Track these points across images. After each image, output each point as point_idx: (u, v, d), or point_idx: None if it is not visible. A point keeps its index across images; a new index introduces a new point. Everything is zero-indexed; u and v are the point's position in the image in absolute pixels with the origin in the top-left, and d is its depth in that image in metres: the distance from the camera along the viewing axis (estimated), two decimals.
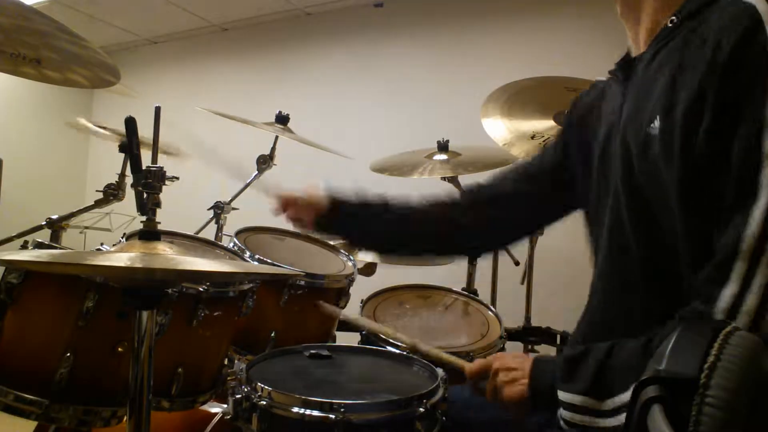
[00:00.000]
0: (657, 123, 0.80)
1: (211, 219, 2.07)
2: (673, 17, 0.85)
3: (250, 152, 2.14)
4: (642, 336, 0.77)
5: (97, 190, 1.74)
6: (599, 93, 1.07)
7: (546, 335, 2.07)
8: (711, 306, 0.68)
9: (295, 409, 0.93)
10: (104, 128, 2.01)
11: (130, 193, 1.34)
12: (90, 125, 2.10)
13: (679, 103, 0.76)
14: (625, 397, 0.73)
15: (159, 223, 0.87)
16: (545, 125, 1.88)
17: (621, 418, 0.74)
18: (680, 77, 0.78)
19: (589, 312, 1.00)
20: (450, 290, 1.82)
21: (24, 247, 1.31)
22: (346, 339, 1.53)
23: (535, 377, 0.88)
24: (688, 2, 0.84)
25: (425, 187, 3.04)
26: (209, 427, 1.42)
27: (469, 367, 1.00)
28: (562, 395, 0.80)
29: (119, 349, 1.06)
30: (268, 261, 1.42)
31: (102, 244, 1.10)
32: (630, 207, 0.87)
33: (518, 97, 1.95)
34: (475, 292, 2.01)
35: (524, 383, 0.88)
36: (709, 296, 0.69)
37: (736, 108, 0.70)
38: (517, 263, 2.21)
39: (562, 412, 0.80)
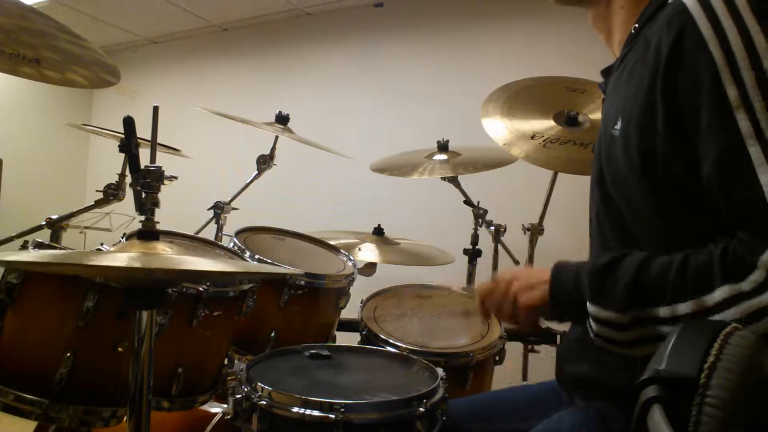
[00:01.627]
0: (619, 125, 0.84)
1: (211, 219, 2.08)
2: (636, 24, 0.89)
3: (250, 152, 2.14)
4: (675, 254, 0.76)
5: (97, 190, 1.74)
6: None
7: (546, 335, 2.06)
8: (755, 256, 0.68)
9: (295, 409, 0.94)
10: (104, 129, 2.01)
11: (130, 193, 1.34)
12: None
13: (634, 104, 0.80)
14: (655, 312, 0.74)
15: (158, 222, 0.87)
16: (545, 125, 1.88)
17: (643, 330, 0.75)
18: (630, 79, 0.83)
19: None
20: (450, 290, 1.82)
21: (24, 247, 1.30)
22: (346, 339, 1.53)
23: (556, 282, 0.86)
24: (646, 8, 0.88)
25: (425, 187, 3.05)
26: (209, 427, 1.42)
27: (481, 287, 0.98)
28: (593, 310, 0.80)
29: (119, 349, 1.06)
30: (268, 261, 1.42)
31: (102, 244, 1.10)
32: (602, 205, 0.91)
33: (518, 97, 1.95)
34: None
35: (544, 288, 0.87)
36: (756, 248, 0.68)
37: (688, 99, 0.73)
38: (517, 263, 2.21)
39: (594, 325, 0.80)
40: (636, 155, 0.79)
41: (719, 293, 0.69)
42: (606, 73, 1.01)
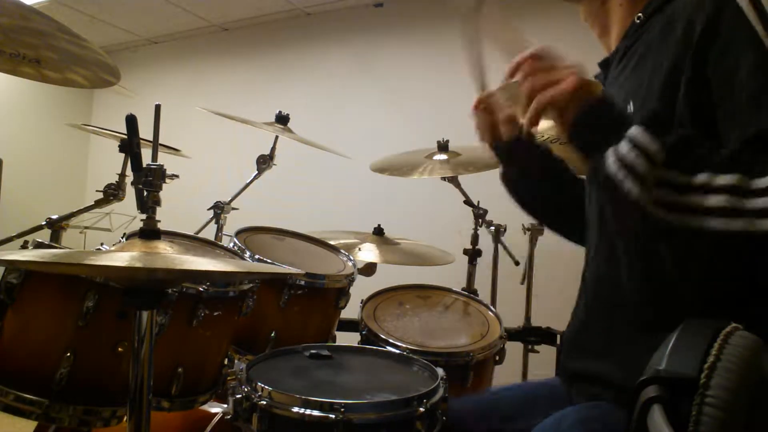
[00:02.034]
0: (630, 108, 0.83)
1: (211, 219, 2.07)
2: (640, 14, 0.89)
3: (250, 152, 2.14)
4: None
5: (97, 190, 1.74)
6: None
7: (546, 335, 2.07)
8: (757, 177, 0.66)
9: (295, 409, 0.93)
10: (104, 129, 2.01)
11: (130, 193, 1.34)
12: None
13: (650, 83, 0.80)
14: (694, 179, 0.67)
15: (159, 221, 0.87)
16: (545, 125, 1.88)
17: (670, 187, 0.67)
18: (647, 62, 0.83)
19: (581, 297, 1.01)
20: (450, 290, 1.82)
21: (24, 247, 1.30)
22: (346, 339, 1.53)
23: (605, 96, 0.76)
24: (652, 1, 0.88)
25: (425, 187, 3.05)
26: (209, 427, 1.42)
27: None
28: (638, 133, 0.69)
29: (119, 349, 1.06)
30: (268, 261, 1.42)
31: (102, 244, 1.10)
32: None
33: (518, 98, 1.94)
34: (475, 292, 2.01)
35: (593, 88, 0.76)
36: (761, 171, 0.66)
37: (724, 65, 0.74)
38: (517, 263, 2.21)
39: (625, 149, 0.69)
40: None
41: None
42: (604, 64, 1.02)
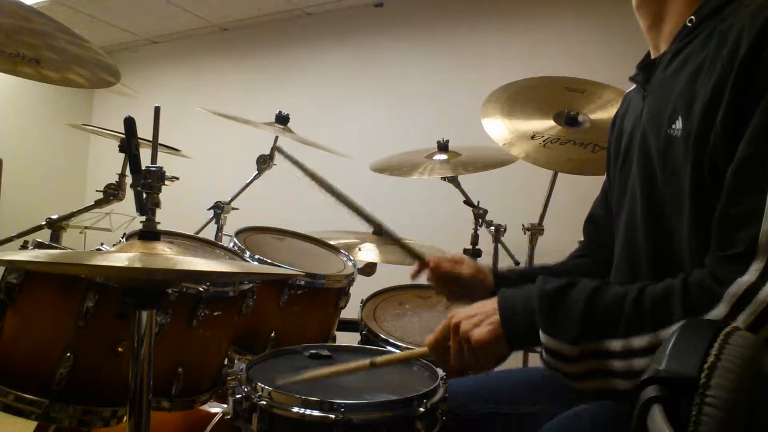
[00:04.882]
0: (679, 124, 0.79)
1: (211, 219, 2.08)
2: (692, 17, 0.84)
3: (250, 152, 2.14)
4: (628, 285, 0.76)
5: (97, 190, 1.74)
6: (626, 104, 1.06)
7: None
8: (722, 287, 0.68)
9: (295, 409, 0.93)
10: (104, 129, 2.01)
11: (130, 193, 1.34)
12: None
13: (698, 103, 0.76)
14: (607, 344, 0.73)
15: (158, 223, 0.87)
16: (545, 125, 1.88)
17: (593, 364, 0.74)
18: (700, 77, 0.77)
19: None
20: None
21: (24, 247, 1.31)
22: (346, 339, 1.53)
23: (506, 312, 0.83)
24: (707, 2, 0.83)
25: (425, 187, 3.05)
26: (209, 427, 1.42)
27: (427, 340, 0.94)
28: (544, 339, 0.78)
29: (119, 349, 1.06)
30: (268, 261, 1.42)
31: (102, 244, 1.10)
32: (644, 208, 0.87)
33: (518, 97, 1.95)
34: None
35: (494, 320, 0.84)
36: (723, 279, 0.68)
37: (750, 103, 0.70)
38: (517, 263, 2.21)
39: (544, 354, 0.78)
40: (693, 154, 0.76)
41: (678, 327, 0.67)
42: (645, 67, 0.94)
